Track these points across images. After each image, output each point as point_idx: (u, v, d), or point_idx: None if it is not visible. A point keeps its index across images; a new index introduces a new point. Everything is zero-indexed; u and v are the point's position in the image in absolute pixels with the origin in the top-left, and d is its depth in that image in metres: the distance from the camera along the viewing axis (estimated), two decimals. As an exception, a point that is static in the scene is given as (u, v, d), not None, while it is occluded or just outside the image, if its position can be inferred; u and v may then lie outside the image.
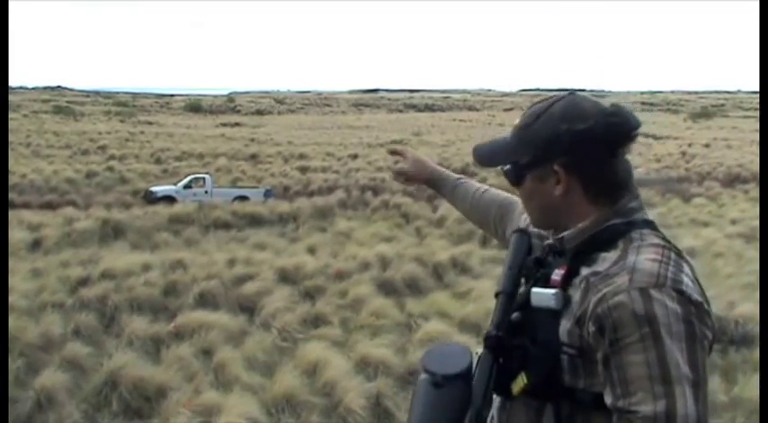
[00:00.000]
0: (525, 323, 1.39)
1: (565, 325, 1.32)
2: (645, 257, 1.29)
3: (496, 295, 1.47)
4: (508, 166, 1.47)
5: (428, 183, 2.03)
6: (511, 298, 1.44)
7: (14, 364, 6.02)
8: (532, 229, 1.59)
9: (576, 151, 1.37)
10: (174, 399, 5.44)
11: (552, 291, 1.34)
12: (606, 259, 1.33)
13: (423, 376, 1.33)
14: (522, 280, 1.48)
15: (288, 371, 5.99)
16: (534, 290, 1.38)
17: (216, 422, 5.09)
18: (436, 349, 1.37)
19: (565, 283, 1.35)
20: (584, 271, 1.34)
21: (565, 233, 1.42)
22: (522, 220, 1.71)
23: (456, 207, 2.02)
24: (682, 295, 1.24)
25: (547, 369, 1.32)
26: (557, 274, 1.39)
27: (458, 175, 2.02)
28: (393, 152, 2.10)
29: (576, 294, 1.32)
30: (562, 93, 1.47)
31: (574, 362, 1.32)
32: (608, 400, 1.25)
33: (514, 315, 1.41)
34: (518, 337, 1.37)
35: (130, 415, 5.55)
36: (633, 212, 1.40)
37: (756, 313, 6.66)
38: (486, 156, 1.54)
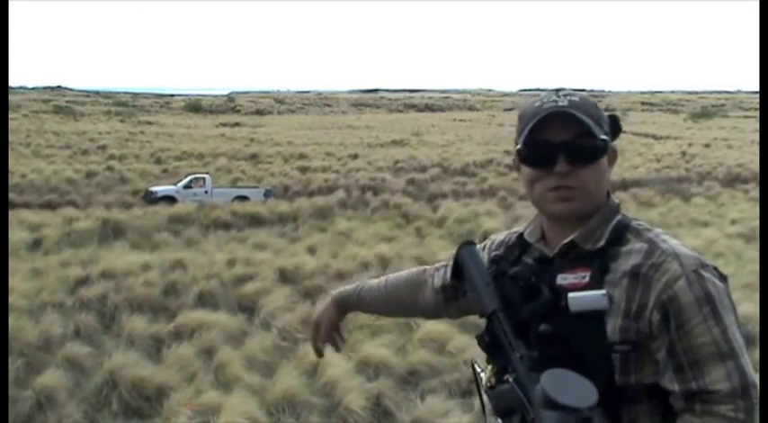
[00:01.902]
0: (560, 333, 1.29)
1: (613, 323, 1.30)
2: (675, 243, 1.35)
3: (491, 315, 1.38)
4: (603, 137, 1.39)
5: (336, 320, 1.83)
6: (510, 312, 1.37)
7: (14, 364, 6.01)
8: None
9: (613, 135, 1.44)
10: (174, 399, 5.43)
11: (600, 292, 1.29)
12: (634, 251, 1.34)
13: (558, 415, 1.09)
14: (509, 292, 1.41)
15: (288, 371, 5.98)
16: (572, 295, 1.29)
17: (216, 422, 5.09)
18: (553, 380, 1.13)
19: (598, 283, 1.32)
20: (614, 267, 1.34)
21: (574, 235, 1.40)
22: (438, 277, 1.68)
23: (373, 311, 1.89)
24: (717, 271, 1.32)
25: (600, 373, 1.25)
26: (570, 278, 1.35)
27: (347, 287, 1.85)
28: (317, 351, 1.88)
29: (616, 291, 1.31)
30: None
31: (626, 359, 1.30)
32: (675, 386, 1.26)
33: (543, 327, 1.29)
34: (552, 347, 1.28)
35: (130, 415, 5.55)
36: (620, 208, 1.45)
37: (756, 313, 6.65)
38: (590, 116, 1.39)
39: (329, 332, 1.83)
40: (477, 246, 1.61)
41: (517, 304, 1.37)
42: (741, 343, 1.27)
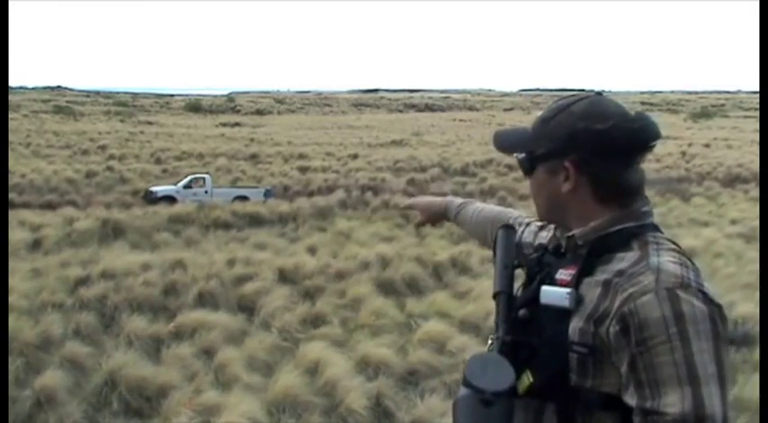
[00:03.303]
0: (532, 320, 1.38)
1: (576, 323, 1.32)
2: (667, 259, 1.31)
3: (495, 295, 1.46)
4: (523, 155, 1.48)
5: (441, 218, 2.13)
6: (511, 297, 1.45)
7: (14, 364, 6.02)
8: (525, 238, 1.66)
9: (589, 150, 1.37)
10: (174, 399, 5.43)
11: (566, 290, 1.33)
12: (624, 259, 1.33)
13: (467, 392, 1.24)
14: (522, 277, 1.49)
15: (288, 371, 5.99)
16: (544, 288, 1.37)
17: (216, 422, 5.09)
18: (476, 362, 1.28)
19: (576, 282, 1.35)
20: (600, 271, 1.34)
21: (576, 231, 1.41)
22: (516, 225, 1.75)
23: (463, 229, 2.09)
24: (705, 296, 1.26)
25: (555, 367, 1.31)
26: (564, 274, 1.38)
27: (461, 201, 2.09)
28: (407, 207, 2.24)
29: (589, 293, 1.32)
30: (588, 92, 1.47)
31: (583, 361, 1.31)
32: (631, 400, 1.25)
33: (521, 312, 1.40)
34: (524, 334, 1.37)
35: (130, 415, 5.55)
36: (646, 217, 1.41)
37: (756, 313, 6.66)
38: (506, 142, 1.56)
39: (429, 216, 2.14)
40: (517, 229, 1.71)
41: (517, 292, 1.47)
42: (711, 372, 1.20)
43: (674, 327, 1.22)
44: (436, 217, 2.12)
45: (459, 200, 2.09)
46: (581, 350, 1.30)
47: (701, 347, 1.21)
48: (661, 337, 1.22)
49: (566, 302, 1.32)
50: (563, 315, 1.33)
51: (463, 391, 1.25)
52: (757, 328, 6.61)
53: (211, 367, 6.36)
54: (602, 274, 1.33)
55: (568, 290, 1.33)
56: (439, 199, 2.14)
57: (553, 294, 1.34)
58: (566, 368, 1.31)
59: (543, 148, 1.44)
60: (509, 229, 1.65)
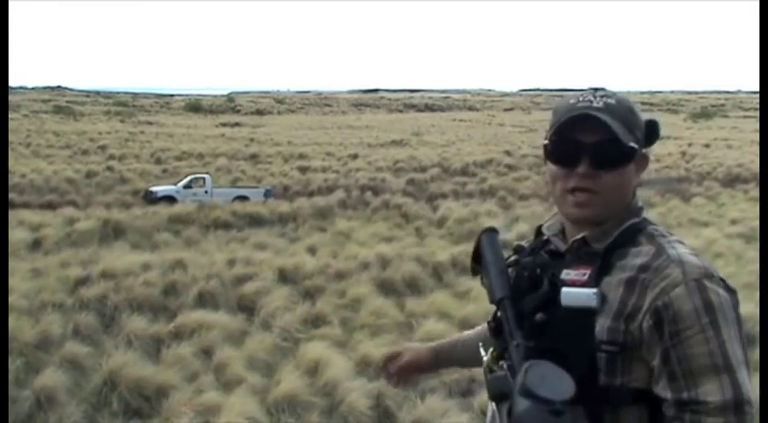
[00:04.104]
0: (550, 324, 1.33)
1: (603, 322, 1.30)
2: (684, 251, 1.33)
3: (499, 302, 1.41)
4: (633, 144, 1.37)
5: (434, 365, 1.82)
6: (517, 301, 1.40)
7: (14, 364, 6.02)
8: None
9: (645, 143, 1.42)
10: (174, 399, 5.43)
11: (592, 290, 1.31)
12: (641, 254, 1.34)
13: (530, 405, 1.14)
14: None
15: (288, 371, 5.99)
16: (566, 289, 1.33)
17: (216, 422, 5.09)
18: (535, 372, 1.18)
19: (595, 282, 1.33)
20: (618, 268, 1.34)
21: (585, 233, 1.40)
22: None
23: (463, 366, 1.86)
24: (726, 284, 1.30)
25: (584, 369, 1.28)
26: (573, 274, 1.36)
27: (435, 343, 1.83)
28: (387, 359, 1.83)
29: (611, 292, 1.31)
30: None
31: (612, 360, 1.30)
32: (664, 393, 1.26)
33: (538, 316, 1.34)
34: (544, 338, 1.32)
35: (130, 415, 5.55)
36: (642, 211, 1.43)
37: (756, 313, 6.65)
38: (621, 128, 1.37)
39: (409, 368, 1.77)
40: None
41: (522, 294, 1.40)
42: (741, 358, 1.25)
43: (705, 317, 1.25)
44: (416, 363, 1.77)
45: (434, 344, 1.83)
46: (610, 349, 1.29)
47: (730, 335, 1.25)
48: (695, 328, 1.24)
49: (593, 302, 1.30)
50: (587, 315, 1.31)
51: (525, 403, 1.15)
52: (757, 328, 6.61)
53: (211, 367, 6.36)
54: (621, 272, 1.33)
55: (594, 290, 1.31)
56: (409, 344, 1.86)
57: (578, 295, 1.31)
58: (595, 368, 1.30)
59: (635, 138, 1.39)
60: (493, 232, 1.59)
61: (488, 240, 1.56)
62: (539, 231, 1.55)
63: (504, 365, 1.31)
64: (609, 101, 1.38)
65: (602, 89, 1.43)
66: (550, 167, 1.43)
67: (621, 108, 1.38)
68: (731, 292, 1.29)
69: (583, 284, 1.34)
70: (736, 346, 1.25)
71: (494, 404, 1.35)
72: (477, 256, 1.59)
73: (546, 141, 1.43)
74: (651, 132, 1.42)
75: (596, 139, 1.36)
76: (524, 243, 1.57)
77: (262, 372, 6.33)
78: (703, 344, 1.24)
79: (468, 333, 1.81)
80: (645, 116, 1.44)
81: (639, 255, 1.34)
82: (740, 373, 1.23)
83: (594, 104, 1.38)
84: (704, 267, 1.29)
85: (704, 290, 1.26)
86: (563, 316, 1.32)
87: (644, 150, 1.42)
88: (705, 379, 1.23)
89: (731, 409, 1.21)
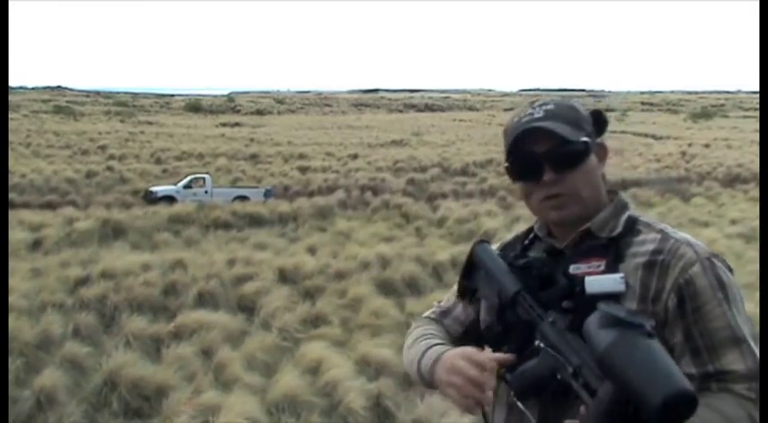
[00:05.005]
0: (577, 311, 1.29)
1: (629, 306, 1.32)
2: (685, 234, 1.40)
3: (515, 295, 1.38)
4: (585, 138, 1.41)
5: None
6: (533, 294, 1.39)
7: (14, 364, 6.02)
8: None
9: (599, 132, 1.47)
10: (174, 399, 5.43)
11: (618, 275, 1.34)
12: (647, 241, 1.39)
13: (620, 332, 1.07)
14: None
15: (288, 371, 5.99)
16: (590, 278, 1.33)
17: (216, 422, 5.09)
18: (610, 306, 1.13)
19: (612, 271, 1.36)
20: (629, 256, 1.37)
21: (590, 224, 1.43)
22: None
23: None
24: (727, 264, 1.38)
25: None
26: (584, 267, 1.37)
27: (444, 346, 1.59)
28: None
29: (630, 278, 1.35)
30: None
31: None
32: (691, 369, 1.28)
33: (565, 303, 1.32)
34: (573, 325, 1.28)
35: (130, 415, 5.56)
36: (628, 205, 1.48)
37: (756, 313, 6.66)
38: (567, 128, 1.40)
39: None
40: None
41: (533, 292, 1.39)
42: (750, 330, 1.31)
43: (719, 292, 1.32)
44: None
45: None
46: None
47: (738, 309, 1.33)
48: (713, 303, 1.31)
49: (621, 287, 1.33)
50: (614, 301, 1.31)
51: (613, 332, 1.07)
52: (757, 329, 6.62)
53: (211, 367, 6.36)
54: (633, 258, 1.37)
55: (620, 274, 1.34)
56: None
57: (604, 281, 1.33)
58: None
59: (585, 131, 1.43)
60: (484, 243, 1.60)
61: (482, 250, 1.56)
62: (529, 233, 1.59)
63: (541, 345, 1.27)
64: (548, 108, 1.44)
65: (540, 99, 1.50)
66: (519, 185, 1.49)
67: (562, 110, 1.44)
68: (731, 271, 1.38)
69: (592, 275, 1.36)
70: (746, 320, 1.32)
71: (519, 403, 1.31)
72: (468, 272, 1.58)
73: (506, 164, 1.48)
74: (599, 121, 1.48)
75: (548, 147, 1.40)
76: (508, 240, 1.62)
77: (261, 372, 6.33)
78: (722, 317, 1.30)
79: (431, 338, 1.62)
80: (587, 108, 1.49)
81: (646, 242, 1.39)
82: (754, 345, 1.30)
83: (536, 115, 1.43)
84: (707, 248, 1.38)
85: (714, 267, 1.34)
86: (586, 306, 1.28)
87: (598, 140, 1.47)
88: (727, 350, 1.28)
89: (754, 375, 1.27)
